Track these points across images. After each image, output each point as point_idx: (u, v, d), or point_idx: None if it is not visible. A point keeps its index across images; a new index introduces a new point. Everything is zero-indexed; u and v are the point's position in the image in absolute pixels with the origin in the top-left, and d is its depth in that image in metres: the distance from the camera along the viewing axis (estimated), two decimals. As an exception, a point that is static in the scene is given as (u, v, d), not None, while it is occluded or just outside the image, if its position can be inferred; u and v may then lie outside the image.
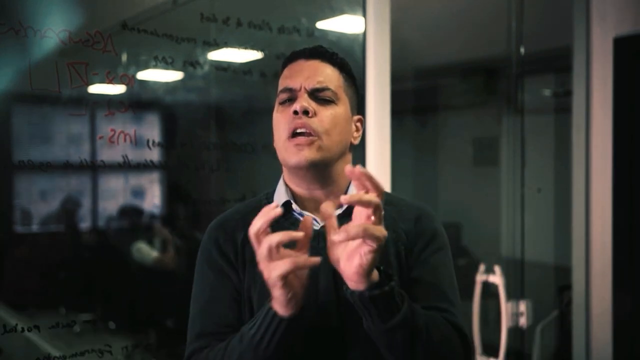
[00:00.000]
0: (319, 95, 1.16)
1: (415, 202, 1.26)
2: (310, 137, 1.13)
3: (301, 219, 1.14)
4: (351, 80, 1.23)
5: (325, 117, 1.15)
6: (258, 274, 1.05)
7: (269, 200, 1.23)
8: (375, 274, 0.99)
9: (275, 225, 1.13)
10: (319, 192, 1.19)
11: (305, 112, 1.13)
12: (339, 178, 1.19)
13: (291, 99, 1.16)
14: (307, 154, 1.12)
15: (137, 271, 1.92)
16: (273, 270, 0.96)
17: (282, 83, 1.19)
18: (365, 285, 0.97)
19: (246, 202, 1.28)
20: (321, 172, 1.16)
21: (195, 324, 1.17)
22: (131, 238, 1.93)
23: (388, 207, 1.18)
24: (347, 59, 1.23)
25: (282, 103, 1.18)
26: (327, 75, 1.18)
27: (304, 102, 1.14)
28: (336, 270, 1.01)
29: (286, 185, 1.21)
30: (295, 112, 1.13)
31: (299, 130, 1.13)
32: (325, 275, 1.12)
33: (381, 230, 0.94)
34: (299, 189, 1.20)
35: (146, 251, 1.96)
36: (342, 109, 1.18)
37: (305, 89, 1.15)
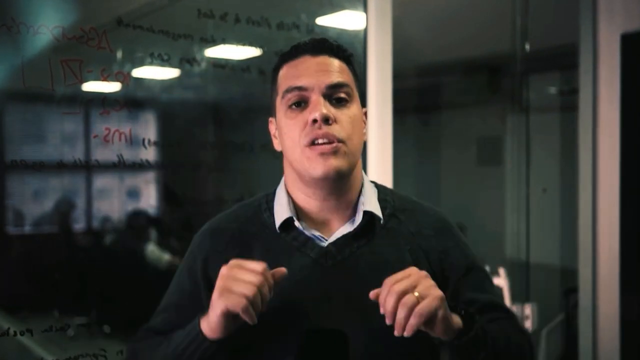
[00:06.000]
0: (334, 95, 1.07)
1: (429, 209, 1.20)
2: (335, 144, 1.04)
3: (307, 234, 1.10)
4: (356, 73, 1.15)
5: (345, 122, 1.06)
6: None
7: (269, 205, 1.15)
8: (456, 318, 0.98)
9: (277, 242, 1.11)
10: (332, 202, 1.11)
11: (326, 120, 1.04)
12: (354, 184, 1.12)
13: (302, 101, 1.07)
14: (335, 163, 1.04)
15: (133, 274, 1.90)
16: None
17: (287, 82, 1.09)
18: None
19: (245, 205, 1.20)
20: (344, 180, 1.09)
21: (157, 317, 1.17)
22: (127, 239, 1.92)
23: (402, 217, 1.15)
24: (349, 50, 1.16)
25: (291, 106, 1.08)
26: (340, 70, 1.09)
27: (322, 108, 1.04)
28: (348, 291, 1.02)
29: (288, 195, 1.13)
30: (315, 121, 1.04)
31: (320, 141, 1.04)
32: (336, 295, 1.05)
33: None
34: (308, 201, 1.11)
35: (157, 254, 1.95)
36: (356, 107, 1.10)
37: (319, 88, 1.06)
